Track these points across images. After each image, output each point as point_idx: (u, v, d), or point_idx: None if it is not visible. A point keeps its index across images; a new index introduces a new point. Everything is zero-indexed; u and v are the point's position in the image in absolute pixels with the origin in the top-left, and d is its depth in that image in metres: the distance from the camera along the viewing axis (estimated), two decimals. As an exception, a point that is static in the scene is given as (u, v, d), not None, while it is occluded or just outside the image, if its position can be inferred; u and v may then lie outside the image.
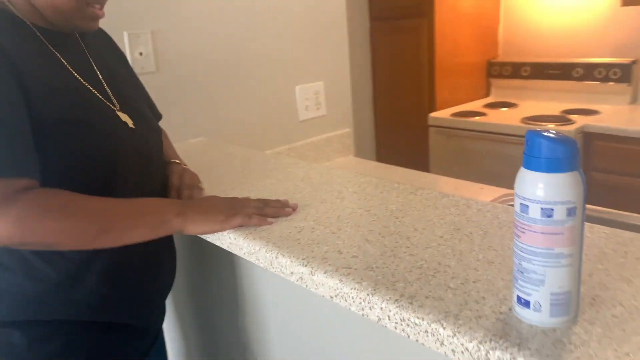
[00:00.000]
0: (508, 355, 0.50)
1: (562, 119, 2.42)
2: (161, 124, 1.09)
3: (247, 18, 1.63)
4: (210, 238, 0.88)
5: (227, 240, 0.85)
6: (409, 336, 0.59)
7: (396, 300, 0.60)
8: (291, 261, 0.73)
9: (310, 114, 1.87)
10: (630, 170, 2.18)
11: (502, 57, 3.06)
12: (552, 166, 0.49)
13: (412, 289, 0.62)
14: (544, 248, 0.51)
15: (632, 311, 0.55)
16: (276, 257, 0.76)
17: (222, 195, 0.94)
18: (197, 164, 1.14)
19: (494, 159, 2.51)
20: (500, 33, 3.05)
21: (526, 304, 0.53)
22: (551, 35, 2.84)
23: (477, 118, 2.60)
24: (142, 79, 1.43)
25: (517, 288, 0.54)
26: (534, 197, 0.50)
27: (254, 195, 0.97)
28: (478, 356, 0.52)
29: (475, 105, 2.91)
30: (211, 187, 1.04)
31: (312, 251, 0.74)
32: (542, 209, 0.50)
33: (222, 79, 1.61)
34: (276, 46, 1.72)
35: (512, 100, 2.94)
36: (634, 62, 2.50)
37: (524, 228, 0.52)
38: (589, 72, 2.63)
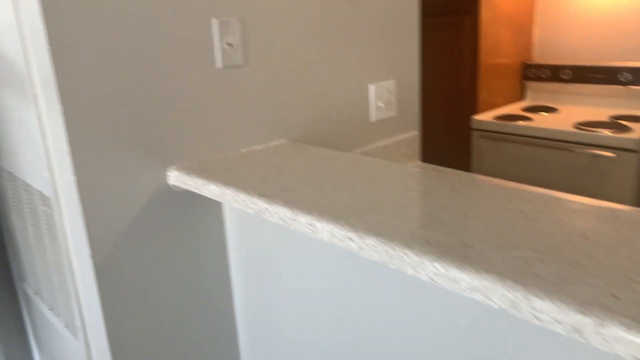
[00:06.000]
0: None
1: (616, 125, 2.33)
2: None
3: (326, 9, 1.46)
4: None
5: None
6: None
7: None
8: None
9: (382, 115, 1.71)
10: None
11: (537, 59, 2.97)
12: None
13: None
14: None
15: None
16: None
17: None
18: (302, 167, 0.97)
19: (543, 166, 2.41)
20: (535, 34, 2.96)
21: None
22: (592, 37, 2.75)
23: (523, 122, 2.49)
24: (230, 73, 1.25)
25: None
26: None
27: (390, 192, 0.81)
28: None
29: (513, 108, 2.81)
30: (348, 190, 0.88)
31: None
32: None
33: (302, 77, 1.44)
34: (351, 41, 1.55)
35: (550, 104, 2.85)
36: (686, 67, 2.44)
37: None
38: (637, 76, 2.55)
